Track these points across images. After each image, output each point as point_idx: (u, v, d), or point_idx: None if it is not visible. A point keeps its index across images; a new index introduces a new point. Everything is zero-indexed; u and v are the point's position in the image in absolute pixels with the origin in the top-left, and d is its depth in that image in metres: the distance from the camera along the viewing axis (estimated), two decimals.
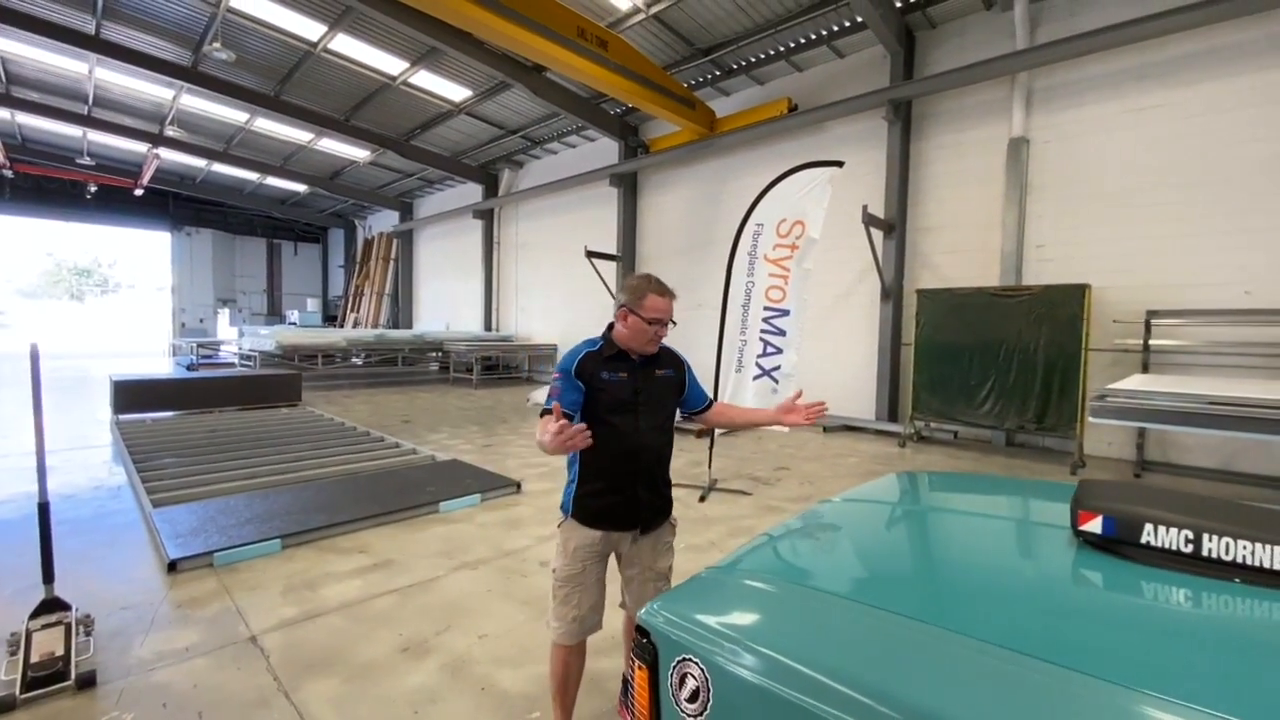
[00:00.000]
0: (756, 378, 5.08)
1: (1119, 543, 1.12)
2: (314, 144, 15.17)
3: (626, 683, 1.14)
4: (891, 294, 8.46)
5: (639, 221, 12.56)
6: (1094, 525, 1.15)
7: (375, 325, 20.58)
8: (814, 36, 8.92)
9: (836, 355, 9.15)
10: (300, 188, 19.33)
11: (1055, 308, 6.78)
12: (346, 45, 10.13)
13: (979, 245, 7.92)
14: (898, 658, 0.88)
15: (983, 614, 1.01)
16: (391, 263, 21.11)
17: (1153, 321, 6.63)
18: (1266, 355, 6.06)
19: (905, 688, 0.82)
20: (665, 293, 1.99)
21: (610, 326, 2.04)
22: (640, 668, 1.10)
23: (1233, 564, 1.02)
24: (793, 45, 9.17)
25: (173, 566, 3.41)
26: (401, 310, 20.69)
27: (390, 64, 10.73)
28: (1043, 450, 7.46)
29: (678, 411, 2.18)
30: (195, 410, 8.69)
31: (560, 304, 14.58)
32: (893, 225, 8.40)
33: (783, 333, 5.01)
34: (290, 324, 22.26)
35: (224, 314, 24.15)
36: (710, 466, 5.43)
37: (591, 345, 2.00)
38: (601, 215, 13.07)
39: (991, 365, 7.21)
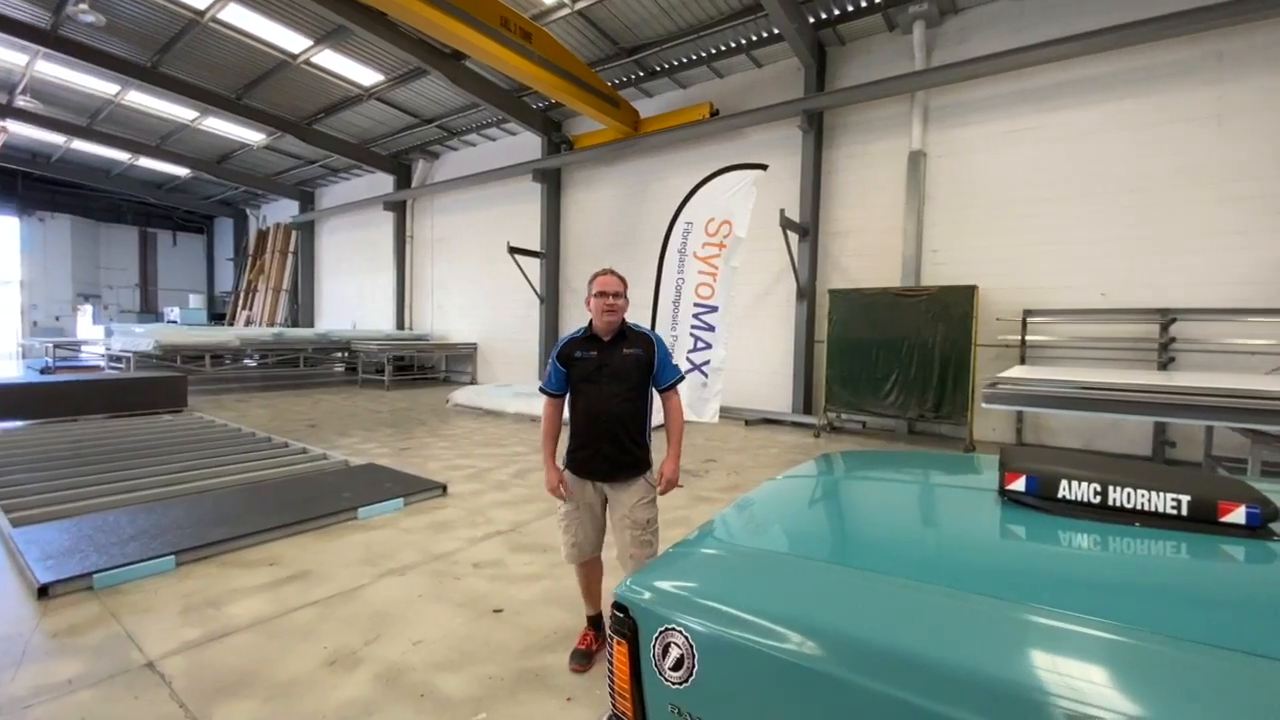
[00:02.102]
0: (688, 372, 5.19)
1: (1040, 498, 1.26)
2: (199, 123, 13.75)
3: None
4: (806, 294, 8.93)
5: (563, 218, 12.44)
6: (1018, 484, 1.29)
7: (271, 323, 18.97)
8: (734, 45, 9.24)
9: (757, 352, 9.53)
10: (181, 171, 17.42)
11: (949, 307, 7.45)
12: (239, 16, 9.27)
13: (883, 249, 8.53)
14: (863, 605, 0.95)
15: (932, 563, 1.10)
16: (290, 256, 19.55)
17: (1029, 319, 7.45)
18: (1119, 348, 6.99)
19: (873, 630, 0.88)
20: (608, 272, 2.46)
21: (590, 321, 2.49)
22: (619, 643, 1.10)
23: (1133, 510, 1.18)
24: (714, 51, 9.45)
25: (43, 592, 2.97)
26: (302, 308, 19.21)
27: (290, 40, 9.94)
28: (939, 436, 8.17)
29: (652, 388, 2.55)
30: (54, 419, 7.61)
31: (481, 301, 14.14)
32: (807, 229, 8.88)
33: (712, 328, 5.16)
34: (171, 322, 20.05)
35: (85, 311, 21.30)
36: None
37: (575, 334, 2.52)
38: (524, 211, 12.82)
39: (895, 360, 7.79)
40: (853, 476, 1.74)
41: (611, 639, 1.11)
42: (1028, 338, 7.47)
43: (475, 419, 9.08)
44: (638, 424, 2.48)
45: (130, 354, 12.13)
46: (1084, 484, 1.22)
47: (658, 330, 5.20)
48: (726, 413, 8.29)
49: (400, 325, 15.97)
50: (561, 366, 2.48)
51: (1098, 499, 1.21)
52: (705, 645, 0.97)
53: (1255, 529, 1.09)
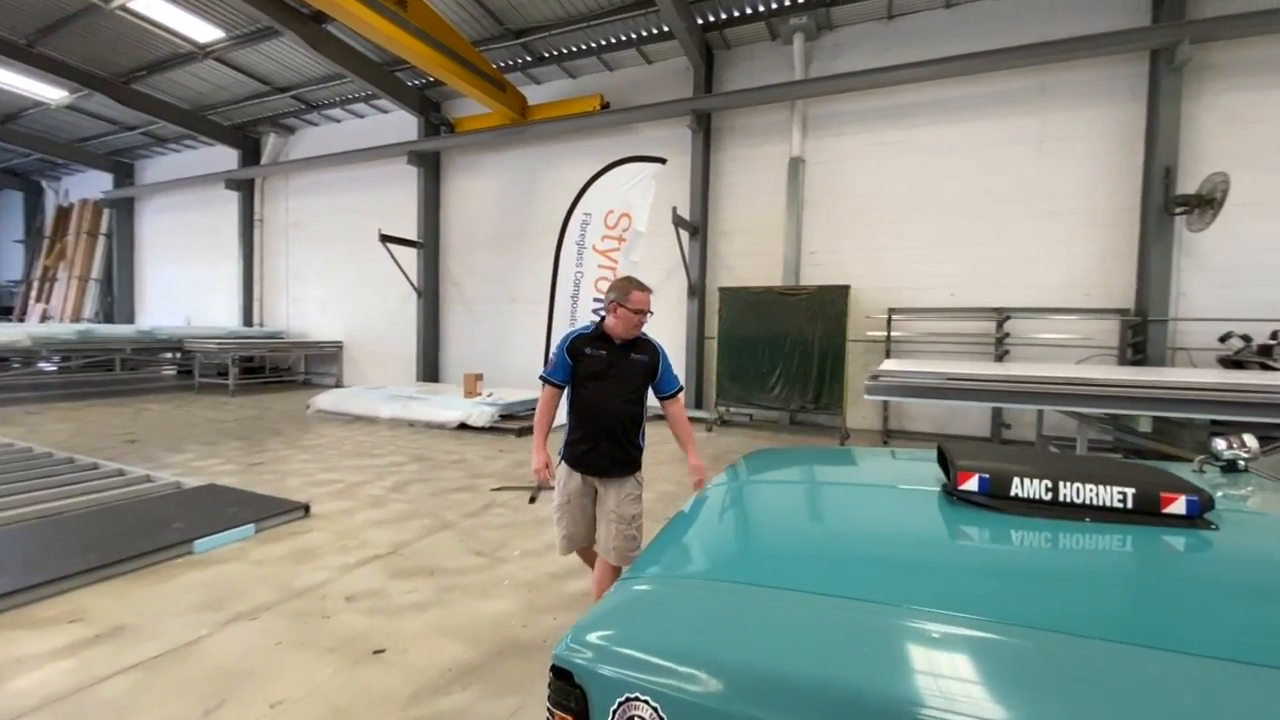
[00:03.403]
0: None
1: (993, 497, 1.22)
2: None
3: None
4: (696, 291, 9.08)
5: (444, 206, 11.61)
6: (971, 484, 1.24)
7: (76, 318, 15.82)
8: (624, 38, 9.13)
9: None
10: None
11: (826, 305, 7.94)
12: None
13: (767, 249, 8.90)
14: (884, 649, 0.80)
15: (921, 584, 0.99)
16: (102, 238, 16.40)
17: (893, 317, 8.14)
18: (965, 342, 7.85)
19: (874, 677, 0.74)
20: (645, 289, 2.54)
21: (602, 318, 2.61)
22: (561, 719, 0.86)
23: (1083, 505, 1.16)
24: (605, 43, 9.28)
25: None
26: (118, 300, 16.21)
27: None
28: (817, 426, 8.67)
29: (650, 394, 2.65)
30: None
31: (347, 295, 12.81)
32: (697, 228, 9.02)
33: None
34: None
35: None
36: None
37: (584, 329, 2.65)
38: (399, 196, 11.78)
39: (779, 355, 8.16)
40: (797, 481, 1.65)
41: (552, 714, 0.87)
42: (892, 333, 8.16)
43: (342, 426, 8.15)
44: (636, 426, 2.63)
45: None
46: (1035, 481, 1.20)
47: (554, 325, 4.92)
48: None
49: (248, 321, 14.04)
50: (569, 359, 2.57)
51: (1049, 496, 1.19)
52: (684, 717, 0.77)
53: (1194, 518, 1.11)
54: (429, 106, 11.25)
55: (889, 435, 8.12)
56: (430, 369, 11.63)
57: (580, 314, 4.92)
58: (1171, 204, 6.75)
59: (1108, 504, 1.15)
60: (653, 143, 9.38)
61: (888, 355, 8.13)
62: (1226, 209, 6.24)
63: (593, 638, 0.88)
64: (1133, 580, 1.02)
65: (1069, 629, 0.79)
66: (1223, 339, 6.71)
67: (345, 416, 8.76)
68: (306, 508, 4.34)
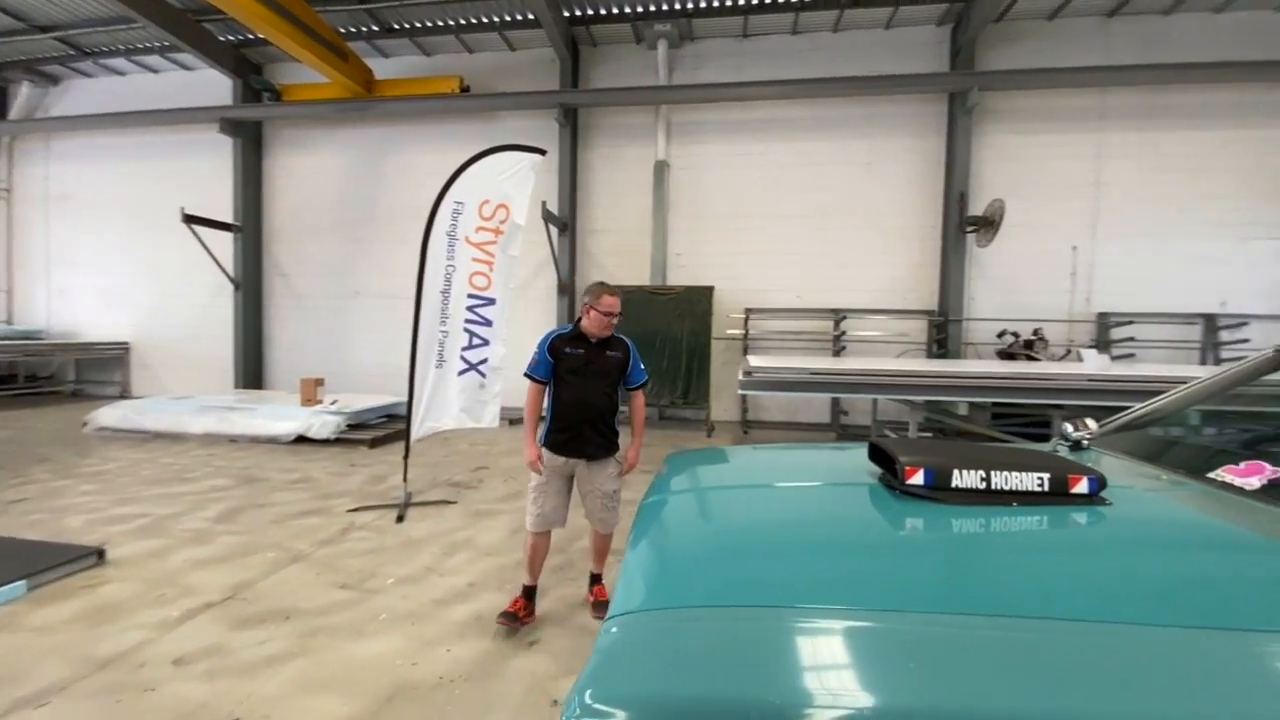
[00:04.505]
0: (462, 372, 4.59)
1: (936, 489, 1.30)
2: None
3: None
4: (567, 289, 8.93)
5: (268, 185, 10.07)
6: (918, 478, 1.31)
7: None
8: (486, 20, 8.65)
9: (518, 346, 9.12)
10: None
11: (693, 305, 8.28)
12: None
13: (636, 249, 9.03)
14: (917, 660, 0.78)
15: (931, 587, 1.01)
16: None
17: (750, 316, 8.74)
18: (808, 340, 8.69)
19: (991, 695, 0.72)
20: (615, 293, 2.80)
21: (578, 320, 2.85)
22: None
23: (1011, 492, 1.28)
24: (464, 22, 8.71)
25: None
26: None
27: None
28: (684, 420, 9.02)
29: (621, 385, 2.98)
30: None
31: (138, 285, 10.57)
32: (566, 224, 8.87)
33: (489, 323, 4.66)
34: None
35: None
36: (405, 479, 4.67)
37: (563, 330, 2.89)
38: (208, 170, 9.99)
39: (650, 353, 8.33)
40: (743, 486, 1.63)
41: None
42: (751, 332, 8.76)
43: (136, 446, 6.69)
44: (613, 413, 2.93)
45: None
46: (971, 472, 1.30)
47: (423, 322, 4.47)
48: None
49: None
50: (550, 357, 2.83)
51: (983, 485, 1.29)
52: None
53: (1093, 496, 1.28)
54: (248, 68, 9.67)
55: (748, 425, 8.71)
56: (253, 374, 10.04)
57: (453, 310, 4.54)
58: (964, 224, 8.10)
59: (1030, 488, 1.29)
60: (517, 133, 9.00)
61: (745, 352, 8.70)
62: (1004, 229, 7.63)
63: (616, 693, 0.75)
64: (1078, 558, 1.14)
65: (1070, 616, 0.84)
66: (1000, 335, 8.23)
67: (140, 434, 7.20)
68: (100, 552, 3.46)
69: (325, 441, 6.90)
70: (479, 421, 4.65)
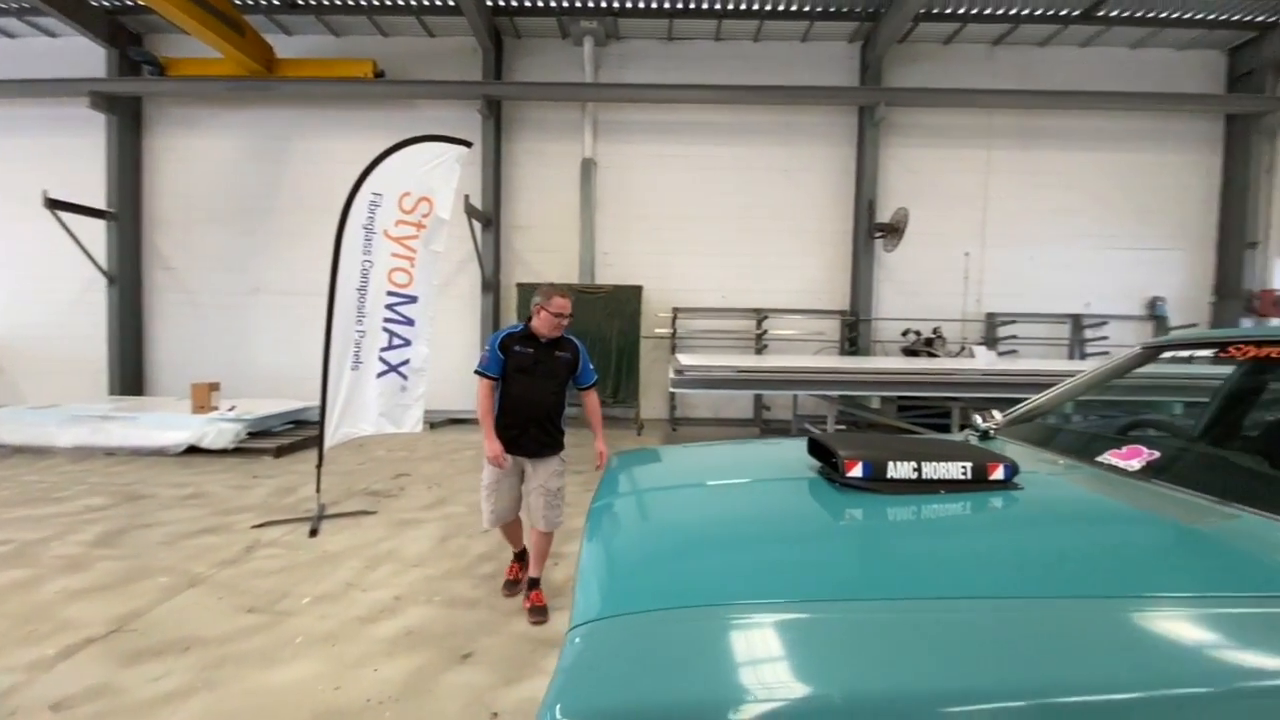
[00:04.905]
0: (381, 374, 4.33)
1: (874, 480, 1.37)
2: None
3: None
4: (491, 286, 8.67)
5: (149, 168, 9.04)
6: (857, 470, 1.38)
7: None
8: (402, 3, 8.22)
9: (440, 346, 8.72)
10: None
11: (622, 304, 8.30)
12: None
13: (563, 247, 8.92)
14: (898, 646, 0.81)
15: (886, 576, 1.06)
16: None
17: (678, 316, 8.88)
18: (732, 338, 8.96)
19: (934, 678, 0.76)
20: (566, 294, 2.87)
21: (529, 320, 2.91)
22: None
23: (939, 481, 1.37)
24: (377, 3, 8.22)
25: None
26: None
27: None
28: (614, 418, 9.00)
29: (571, 384, 3.04)
30: None
31: None
32: (490, 219, 8.61)
33: (410, 322, 4.42)
34: None
35: None
36: (319, 490, 4.35)
37: (514, 329, 2.94)
38: (77, 149, 8.83)
39: None
40: (693, 485, 1.65)
41: None
42: (678, 331, 8.90)
43: None
44: (559, 412, 2.98)
45: None
46: (904, 463, 1.38)
47: (337, 321, 4.18)
48: None
49: None
50: (501, 355, 2.87)
51: (915, 475, 1.38)
52: None
53: (1009, 481, 1.40)
54: (126, 38, 8.64)
55: (676, 423, 8.85)
56: (131, 379, 8.99)
57: (370, 309, 4.28)
58: (872, 230, 8.65)
59: (955, 477, 1.39)
60: (436, 123, 8.60)
61: (673, 351, 8.83)
62: (908, 236, 8.22)
63: (590, 707, 0.73)
64: (1003, 538, 1.24)
65: (1003, 594, 0.91)
66: (904, 334, 8.87)
67: None
68: None
69: (222, 452, 6.31)
70: (400, 426, 4.41)
